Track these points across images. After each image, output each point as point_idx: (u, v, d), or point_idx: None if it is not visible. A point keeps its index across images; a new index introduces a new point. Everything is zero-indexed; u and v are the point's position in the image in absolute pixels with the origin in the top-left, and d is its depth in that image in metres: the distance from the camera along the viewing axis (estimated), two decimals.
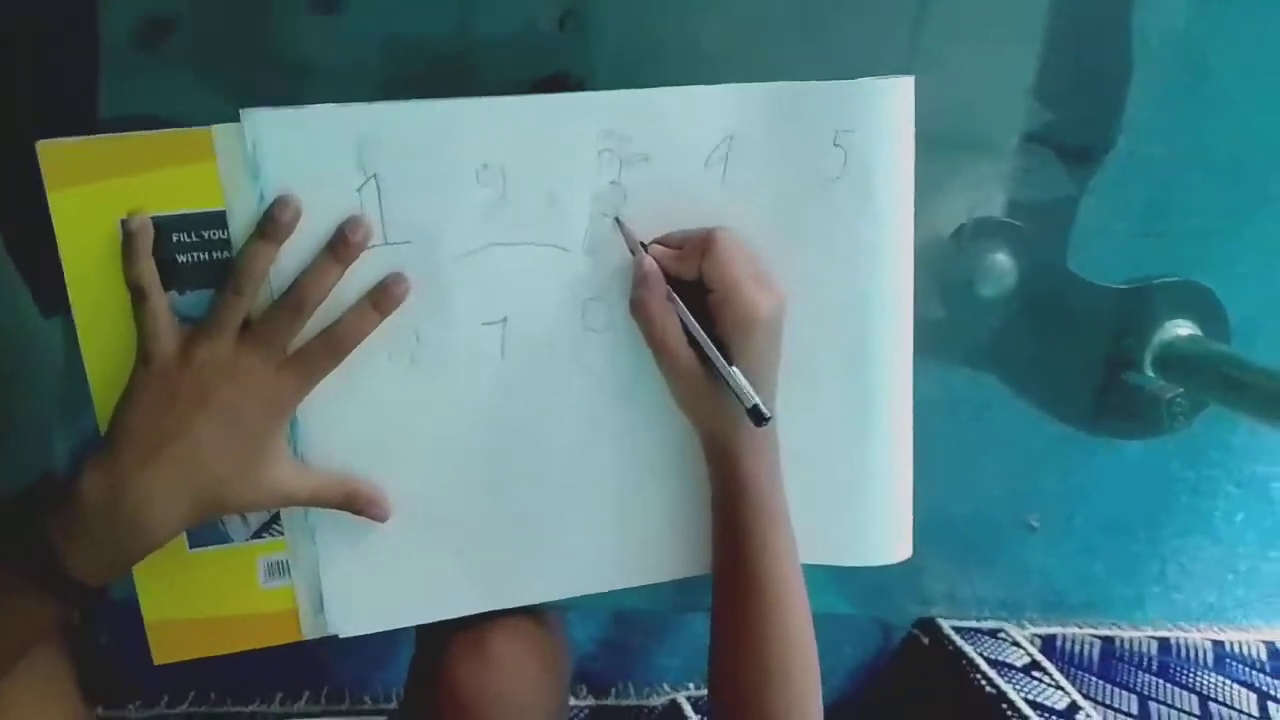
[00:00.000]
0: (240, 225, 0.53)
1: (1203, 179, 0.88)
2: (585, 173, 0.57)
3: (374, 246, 0.54)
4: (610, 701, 1.05)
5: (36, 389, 0.70)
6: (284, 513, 0.58)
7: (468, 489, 0.60)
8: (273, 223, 0.52)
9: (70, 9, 0.71)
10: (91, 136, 0.51)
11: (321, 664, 1.01)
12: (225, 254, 0.53)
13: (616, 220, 0.58)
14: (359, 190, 0.54)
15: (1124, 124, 0.85)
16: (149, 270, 0.52)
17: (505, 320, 0.58)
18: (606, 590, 0.64)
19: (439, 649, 0.63)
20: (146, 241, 0.52)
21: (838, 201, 0.59)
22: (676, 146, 0.58)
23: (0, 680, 0.52)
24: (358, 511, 0.57)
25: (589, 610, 1.00)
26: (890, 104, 0.58)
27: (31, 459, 0.71)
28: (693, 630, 1.05)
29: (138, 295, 0.52)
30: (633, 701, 1.05)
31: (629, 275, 0.58)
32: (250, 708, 0.98)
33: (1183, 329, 0.86)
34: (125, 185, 0.52)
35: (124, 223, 0.52)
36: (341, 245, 0.53)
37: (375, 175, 0.54)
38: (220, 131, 0.52)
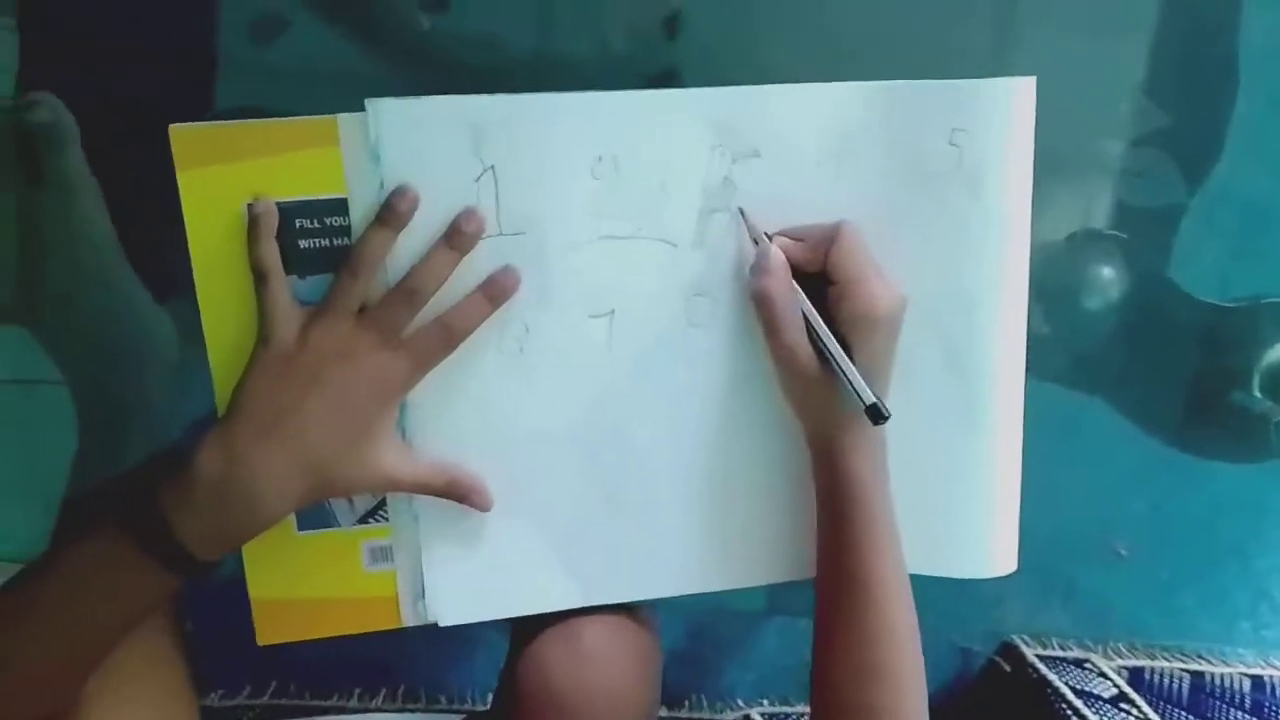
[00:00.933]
0: (360, 212, 0.54)
1: None
2: (697, 168, 0.57)
3: (489, 237, 0.55)
4: (683, 714, 1.04)
5: (151, 373, 0.72)
6: (389, 498, 0.59)
7: (569, 482, 0.60)
8: (391, 211, 0.53)
9: (190, 7, 0.73)
10: (221, 121, 0.53)
11: (399, 663, 1.01)
12: (346, 240, 0.54)
13: (740, 211, 0.58)
14: (476, 180, 0.55)
15: (1228, 141, 0.84)
16: (272, 254, 0.53)
17: (613, 313, 0.58)
18: (705, 591, 0.64)
19: (532, 642, 0.63)
20: (271, 226, 0.53)
21: (952, 202, 0.58)
22: (788, 144, 0.58)
23: (112, 652, 0.53)
24: (460, 499, 0.58)
25: (667, 617, 1.00)
26: (1009, 104, 0.58)
27: (146, 441, 0.72)
28: (767, 645, 1.04)
29: (260, 278, 0.53)
30: (705, 715, 1.04)
31: (738, 271, 0.59)
32: (329, 702, 0.99)
33: None
34: (251, 169, 0.53)
35: (250, 206, 0.53)
36: (456, 235, 0.54)
37: (492, 166, 0.55)
38: (344, 120, 0.53)
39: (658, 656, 0.69)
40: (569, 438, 0.60)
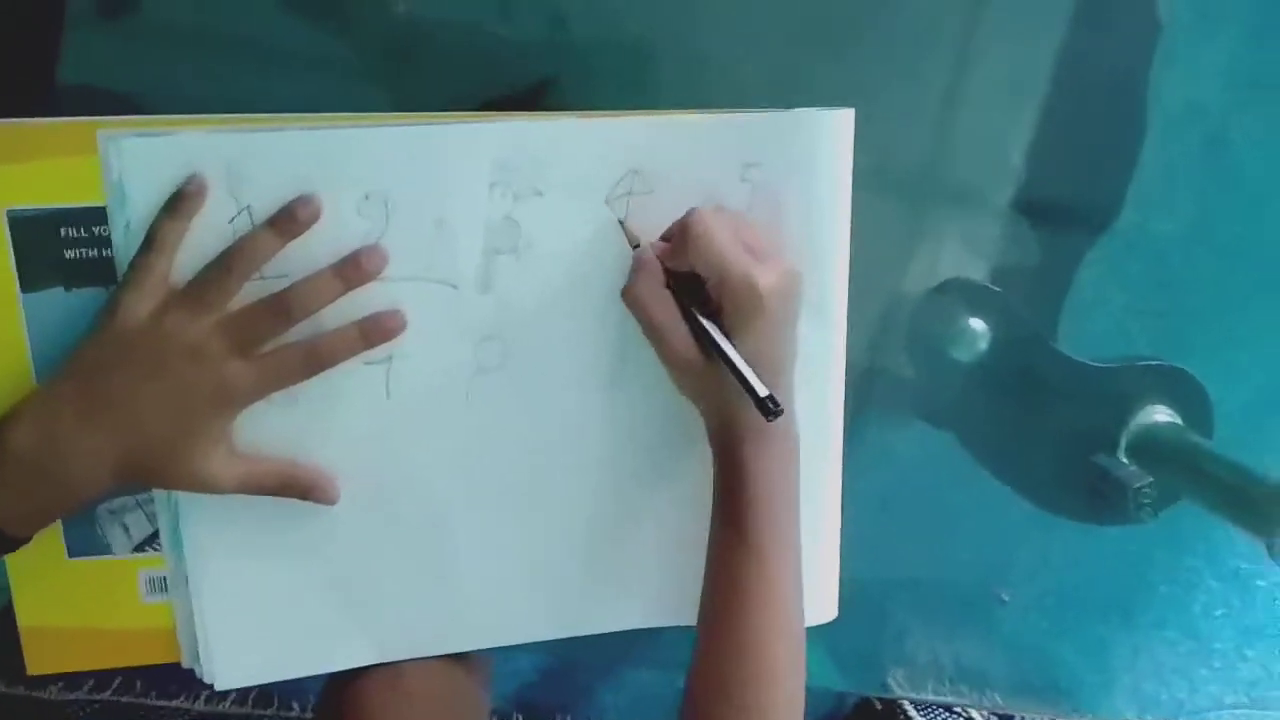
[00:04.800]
0: (120, 239, 0.50)
1: (1210, 261, 0.84)
2: (476, 207, 0.54)
3: (253, 280, 0.51)
4: None
5: None
6: (164, 549, 0.55)
7: (354, 533, 0.57)
8: (289, 217, 0.51)
9: None
10: None
11: None
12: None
13: (620, 221, 0.55)
14: (232, 222, 0.51)
15: (1131, 195, 0.82)
16: (177, 232, 0.50)
17: (390, 359, 0.54)
18: (510, 644, 0.61)
19: (355, 675, 0.60)
20: (194, 209, 0.50)
21: None
22: (574, 181, 0.54)
23: None
24: (301, 497, 0.54)
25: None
26: (814, 137, 0.55)
27: None
28: (640, 669, 1.03)
29: (148, 246, 0.50)
30: None
31: (529, 315, 0.56)
32: (174, 702, 0.96)
33: (1162, 415, 0.82)
34: (14, 172, 0.50)
35: (187, 181, 0.50)
36: (351, 266, 0.52)
37: (248, 206, 0.51)
38: (101, 136, 0.50)
39: (484, 707, 0.66)
40: (352, 488, 0.56)
